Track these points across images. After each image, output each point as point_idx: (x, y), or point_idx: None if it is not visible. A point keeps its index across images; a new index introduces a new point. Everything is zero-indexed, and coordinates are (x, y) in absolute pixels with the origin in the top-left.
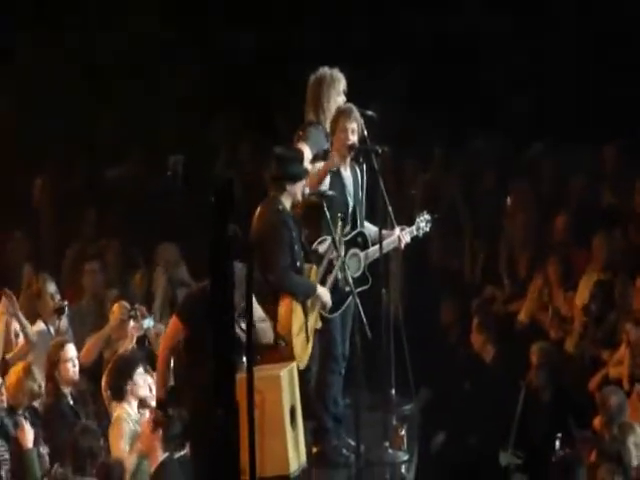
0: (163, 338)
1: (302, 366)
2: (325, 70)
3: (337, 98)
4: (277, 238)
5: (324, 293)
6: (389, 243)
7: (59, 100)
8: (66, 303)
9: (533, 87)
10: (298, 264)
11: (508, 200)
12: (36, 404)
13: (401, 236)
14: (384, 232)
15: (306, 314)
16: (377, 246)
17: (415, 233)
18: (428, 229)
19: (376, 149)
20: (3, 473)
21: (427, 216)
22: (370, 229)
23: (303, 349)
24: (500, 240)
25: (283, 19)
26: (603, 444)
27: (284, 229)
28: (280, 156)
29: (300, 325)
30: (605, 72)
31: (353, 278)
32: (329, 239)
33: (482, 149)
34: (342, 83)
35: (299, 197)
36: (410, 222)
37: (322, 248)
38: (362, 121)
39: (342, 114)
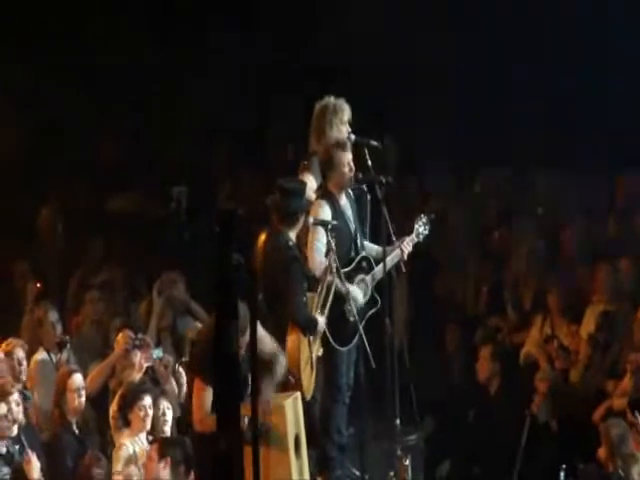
0: (195, 406)
1: (308, 397)
2: (330, 99)
3: (341, 127)
4: (292, 275)
5: (322, 325)
6: (393, 258)
7: (63, 131)
8: (68, 338)
9: (536, 119)
10: (304, 298)
11: (496, 235)
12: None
13: (402, 247)
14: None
15: (310, 345)
16: (381, 265)
17: (416, 239)
18: (427, 231)
19: (380, 179)
20: None
21: (424, 219)
22: (371, 248)
23: (309, 381)
24: (505, 271)
25: (283, 49)
26: (607, 475)
27: (297, 264)
28: (285, 189)
29: (306, 358)
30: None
31: (363, 304)
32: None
33: (487, 181)
34: (346, 113)
35: (301, 226)
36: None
37: (317, 274)
38: (366, 151)
39: (341, 147)
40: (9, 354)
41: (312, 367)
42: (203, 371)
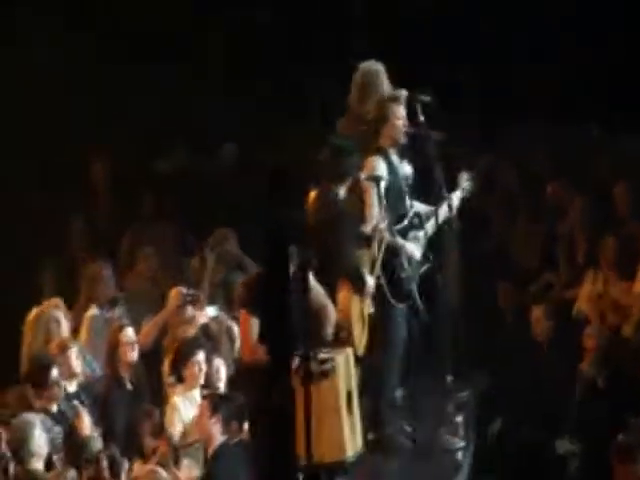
0: (243, 337)
1: (360, 353)
2: (373, 62)
3: (387, 88)
4: (343, 230)
5: (371, 285)
6: (441, 214)
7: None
8: (121, 295)
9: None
10: (355, 253)
11: (549, 188)
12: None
13: (450, 202)
14: (431, 208)
15: (361, 301)
16: (432, 222)
17: (461, 195)
18: (471, 187)
19: (432, 135)
20: (56, 458)
21: (466, 175)
22: (420, 207)
23: (361, 337)
24: (558, 225)
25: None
26: None
27: (347, 219)
28: (336, 147)
29: (358, 313)
30: None
31: (417, 261)
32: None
33: (537, 134)
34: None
35: (350, 182)
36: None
37: (368, 229)
38: (418, 107)
39: (395, 100)
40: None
41: (364, 323)
42: (249, 303)
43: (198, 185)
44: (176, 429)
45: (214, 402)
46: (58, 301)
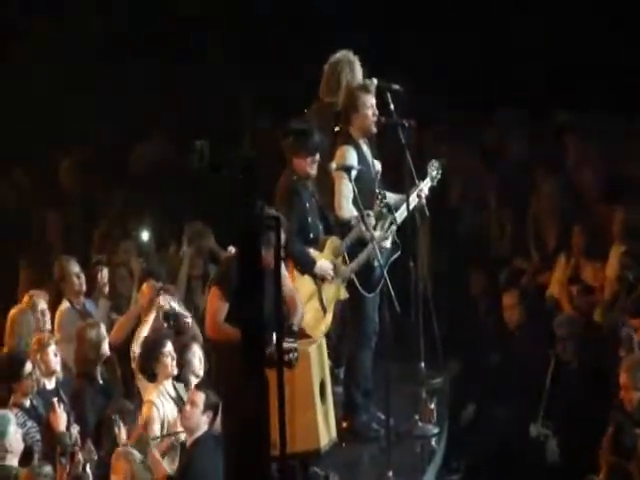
0: (210, 314)
1: (318, 335)
2: (343, 52)
3: (358, 76)
4: (288, 204)
5: (325, 266)
6: (411, 202)
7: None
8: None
9: (556, 56)
10: (311, 235)
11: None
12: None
13: (419, 192)
14: (400, 196)
15: (317, 283)
16: (402, 211)
17: (430, 183)
18: (440, 175)
19: (403, 123)
20: (36, 455)
21: (436, 163)
22: (389, 196)
23: (317, 319)
24: (528, 212)
25: None
26: (631, 412)
27: (296, 197)
28: (293, 130)
29: (309, 293)
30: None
31: (387, 249)
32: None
33: (507, 120)
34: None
35: (315, 166)
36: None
37: (344, 219)
38: (388, 95)
39: (365, 90)
40: (33, 306)
41: (323, 307)
42: (223, 284)
43: (170, 180)
44: (154, 425)
45: (207, 394)
46: (43, 293)
